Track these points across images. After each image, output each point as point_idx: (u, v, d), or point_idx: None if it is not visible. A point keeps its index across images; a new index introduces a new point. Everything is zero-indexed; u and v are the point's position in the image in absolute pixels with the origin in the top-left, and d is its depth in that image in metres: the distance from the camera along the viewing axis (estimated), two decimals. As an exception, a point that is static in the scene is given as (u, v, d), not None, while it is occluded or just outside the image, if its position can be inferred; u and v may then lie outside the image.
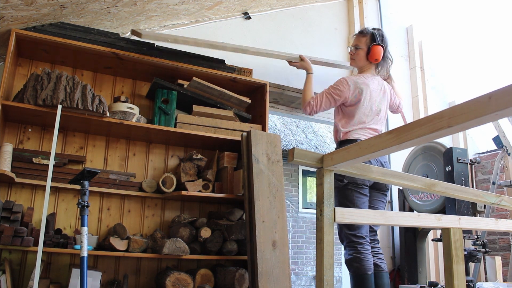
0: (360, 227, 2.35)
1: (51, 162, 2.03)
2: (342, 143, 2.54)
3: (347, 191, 2.39)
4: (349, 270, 2.38)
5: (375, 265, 2.43)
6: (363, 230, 2.36)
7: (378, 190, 2.55)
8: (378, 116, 2.60)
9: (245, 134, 2.64)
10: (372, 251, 2.46)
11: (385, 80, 2.79)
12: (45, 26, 2.49)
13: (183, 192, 2.52)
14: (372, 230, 2.55)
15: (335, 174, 1.20)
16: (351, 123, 2.54)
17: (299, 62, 2.94)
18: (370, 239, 2.49)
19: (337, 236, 2.68)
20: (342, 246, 2.49)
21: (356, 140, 2.47)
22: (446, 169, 2.85)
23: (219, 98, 2.86)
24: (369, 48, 2.61)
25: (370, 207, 2.53)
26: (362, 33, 2.68)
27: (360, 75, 2.67)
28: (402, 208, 3.53)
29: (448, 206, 2.78)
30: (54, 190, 2.51)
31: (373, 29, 2.67)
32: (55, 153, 2.32)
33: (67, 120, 2.39)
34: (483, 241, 2.73)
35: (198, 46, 2.79)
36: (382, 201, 2.59)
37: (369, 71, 2.67)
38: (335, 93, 2.57)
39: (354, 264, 2.30)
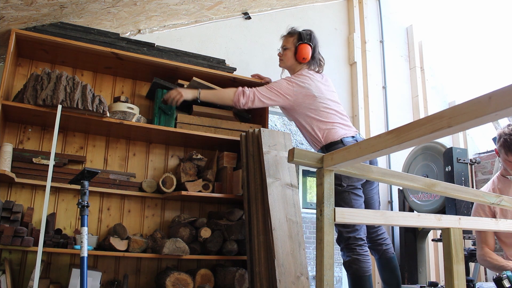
0: (358, 228, 2.32)
1: (51, 162, 2.03)
2: (328, 146, 2.38)
3: (345, 194, 2.33)
4: (347, 272, 2.34)
5: (383, 251, 2.42)
6: (361, 232, 2.34)
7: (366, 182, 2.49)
8: (340, 104, 2.52)
9: (244, 134, 2.64)
10: (379, 239, 2.45)
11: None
12: (45, 26, 2.49)
13: (183, 192, 2.52)
14: None
15: (332, 179, 1.19)
16: (325, 122, 2.42)
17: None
18: (376, 227, 2.48)
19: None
20: None
21: (341, 138, 2.37)
22: (446, 169, 2.85)
23: (219, 98, 2.85)
24: (296, 47, 2.57)
25: (366, 200, 2.48)
26: (289, 33, 2.63)
27: (295, 75, 2.58)
28: (402, 208, 3.52)
29: (448, 206, 2.78)
30: (54, 190, 2.51)
31: (304, 30, 2.61)
32: (55, 153, 2.32)
33: (67, 120, 2.39)
34: (483, 241, 2.73)
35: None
36: (372, 189, 2.50)
37: (302, 71, 2.57)
38: (286, 92, 2.46)
39: (353, 266, 2.28)
